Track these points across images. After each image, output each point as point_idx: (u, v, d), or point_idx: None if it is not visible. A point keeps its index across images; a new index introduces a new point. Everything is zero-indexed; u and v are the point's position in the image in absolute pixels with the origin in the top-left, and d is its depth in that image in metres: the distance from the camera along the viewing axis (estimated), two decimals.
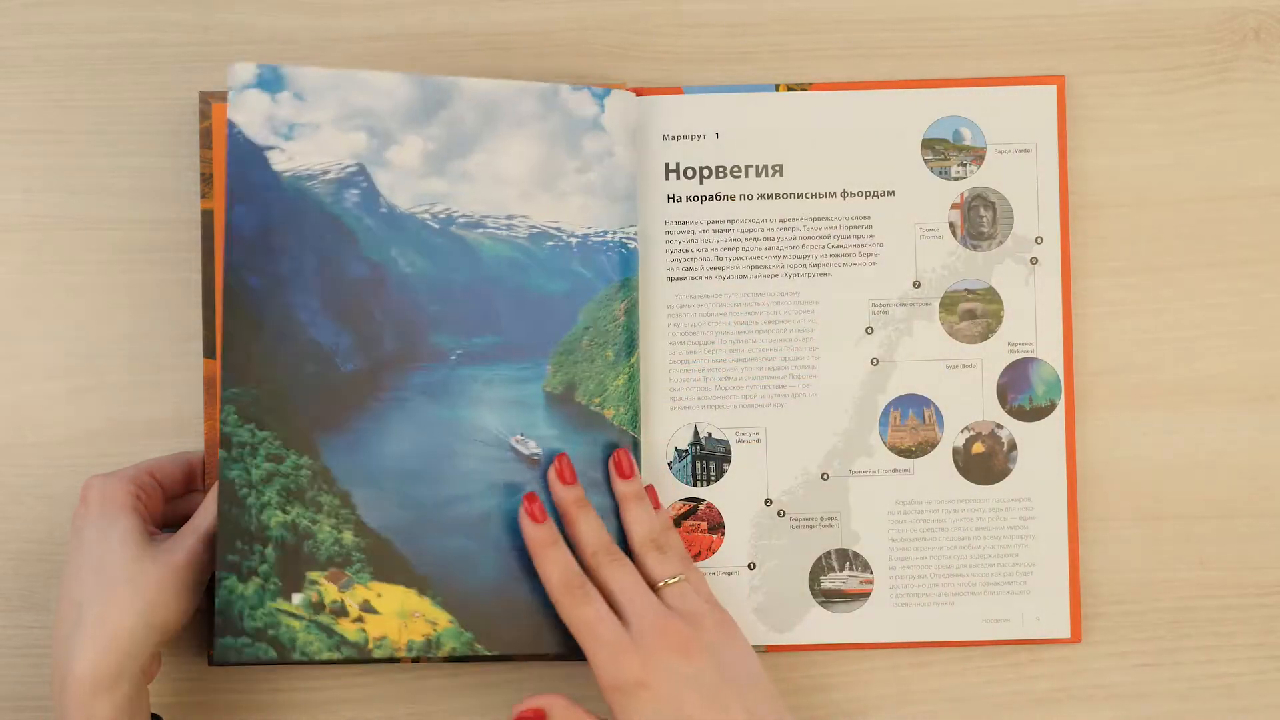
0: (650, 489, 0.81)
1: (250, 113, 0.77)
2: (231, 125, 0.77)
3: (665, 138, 0.83)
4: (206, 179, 0.81)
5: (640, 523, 0.79)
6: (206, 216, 0.81)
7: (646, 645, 0.73)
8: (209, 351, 0.81)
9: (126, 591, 0.72)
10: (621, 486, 0.79)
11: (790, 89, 0.83)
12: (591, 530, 0.78)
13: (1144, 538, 0.83)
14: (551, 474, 0.79)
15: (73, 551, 0.74)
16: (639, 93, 0.82)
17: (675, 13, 0.84)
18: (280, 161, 0.78)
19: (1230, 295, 0.83)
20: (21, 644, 0.81)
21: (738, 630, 0.76)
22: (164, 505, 0.78)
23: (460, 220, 0.80)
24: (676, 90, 0.83)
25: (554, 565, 0.76)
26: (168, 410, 0.82)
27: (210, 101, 0.81)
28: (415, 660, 0.80)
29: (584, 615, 0.75)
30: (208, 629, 0.80)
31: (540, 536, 0.77)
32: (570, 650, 0.79)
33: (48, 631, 0.81)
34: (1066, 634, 0.82)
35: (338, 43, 0.83)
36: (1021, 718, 0.82)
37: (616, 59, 0.83)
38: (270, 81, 0.77)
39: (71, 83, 0.83)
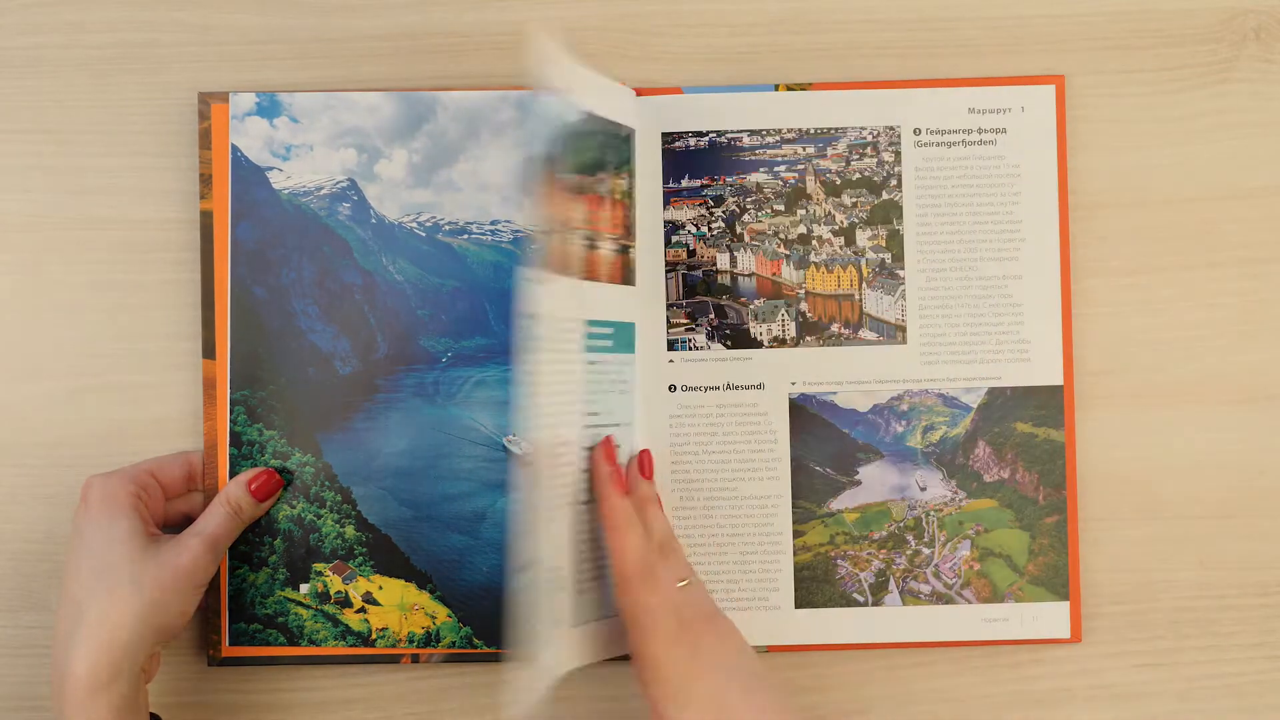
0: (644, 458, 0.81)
1: (251, 138, 0.82)
2: (235, 149, 0.81)
3: (665, 137, 0.83)
4: (206, 179, 0.81)
5: (658, 528, 0.78)
6: (206, 217, 0.81)
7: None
8: (208, 352, 0.81)
9: (128, 591, 0.72)
10: (643, 488, 0.79)
11: (790, 89, 0.83)
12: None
13: (1144, 538, 0.83)
14: (633, 466, 0.79)
15: (73, 551, 0.74)
16: (639, 93, 0.82)
17: (675, 13, 0.84)
18: (279, 180, 0.82)
19: (1230, 295, 0.83)
20: (21, 644, 0.81)
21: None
22: (164, 505, 0.78)
23: (445, 227, 0.82)
24: (676, 90, 0.83)
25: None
26: (168, 410, 0.82)
27: (209, 102, 0.81)
28: (415, 659, 0.81)
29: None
30: (207, 629, 0.80)
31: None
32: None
33: (48, 631, 0.81)
34: (1066, 634, 0.82)
35: (338, 43, 0.83)
36: (1021, 718, 0.82)
37: (616, 59, 0.83)
38: (268, 108, 0.82)
39: (71, 83, 0.83)
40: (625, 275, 0.81)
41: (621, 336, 0.81)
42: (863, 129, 0.83)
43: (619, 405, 0.80)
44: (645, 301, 0.82)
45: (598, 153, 0.79)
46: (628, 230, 0.81)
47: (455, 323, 0.82)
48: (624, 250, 0.81)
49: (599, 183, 0.79)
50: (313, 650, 0.81)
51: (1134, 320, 0.83)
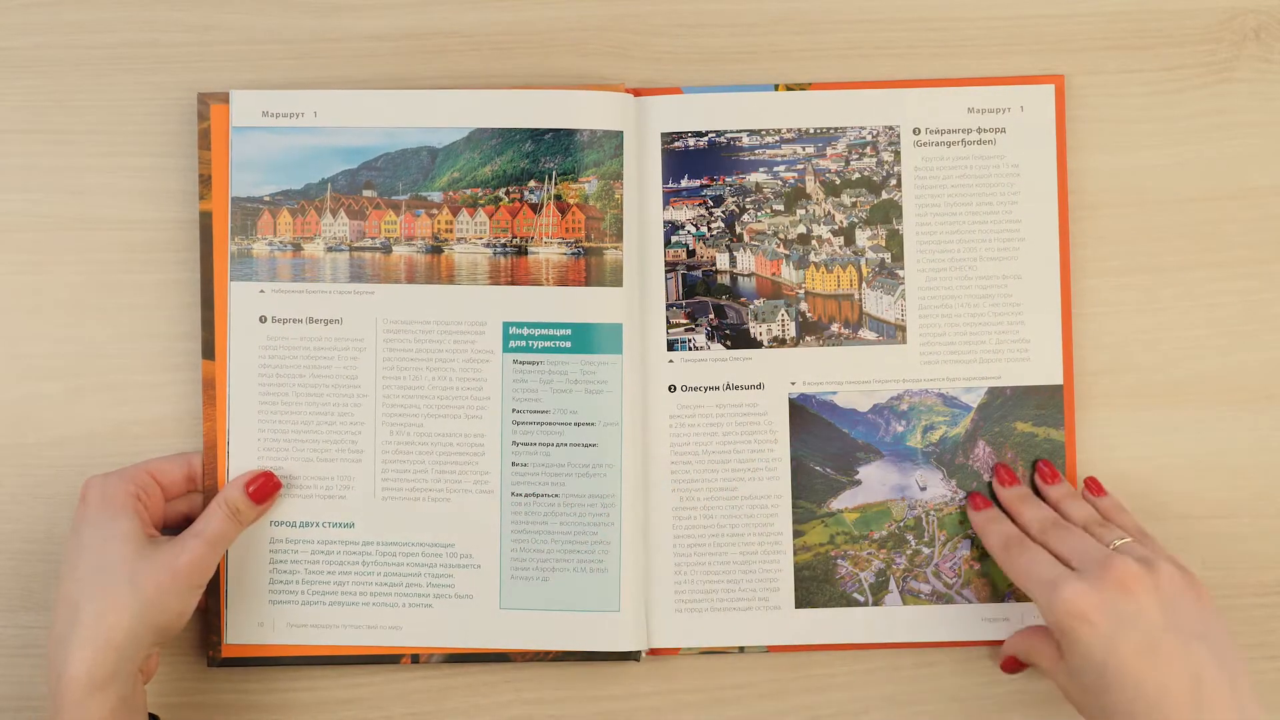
0: (1091, 479, 0.81)
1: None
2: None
3: (665, 137, 0.83)
4: (205, 180, 0.81)
5: (1080, 510, 0.79)
6: (205, 217, 0.81)
7: (1090, 577, 0.72)
8: (208, 352, 0.81)
9: (125, 591, 0.72)
10: (1051, 492, 0.81)
11: (790, 89, 0.83)
12: (1037, 512, 0.79)
13: None
14: (994, 483, 0.81)
15: (71, 551, 0.74)
16: (638, 93, 0.82)
17: (675, 13, 0.84)
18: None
19: (1230, 295, 0.83)
20: (21, 644, 0.81)
21: (1201, 591, 0.73)
22: (164, 506, 0.78)
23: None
24: (676, 90, 0.83)
25: (994, 534, 0.79)
26: (168, 410, 0.82)
27: (209, 102, 0.81)
28: (415, 659, 0.81)
29: (1022, 561, 0.75)
30: (207, 629, 0.80)
31: (982, 519, 0.80)
32: (569, 648, 0.80)
33: (47, 632, 0.80)
34: None
35: (338, 43, 0.83)
36: (1021, 717, 0.82)
37: (616, 59, 0.83)
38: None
39: (71, 83, 0.83)
40: (592, 277, 0.81)
41: (588, 337, 0.80)
42: (862, 129, 0.83)
43: (597, 406, 0.80)
44: (640, 302, 0.82)
45: (528, 161, 0.80)
46: (590, 233, 0.81)
47: None
48: (583, 254, 0.81)
49: (529, 191, 0.80)
50: (313, 650, 0.81)
51: (1134, 320, 0.83)
